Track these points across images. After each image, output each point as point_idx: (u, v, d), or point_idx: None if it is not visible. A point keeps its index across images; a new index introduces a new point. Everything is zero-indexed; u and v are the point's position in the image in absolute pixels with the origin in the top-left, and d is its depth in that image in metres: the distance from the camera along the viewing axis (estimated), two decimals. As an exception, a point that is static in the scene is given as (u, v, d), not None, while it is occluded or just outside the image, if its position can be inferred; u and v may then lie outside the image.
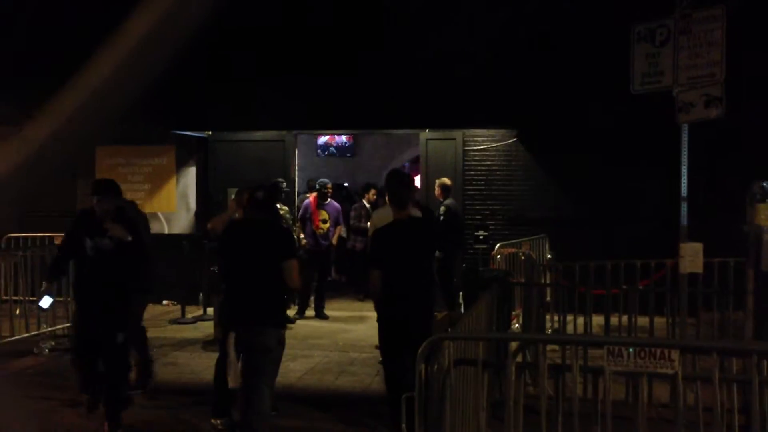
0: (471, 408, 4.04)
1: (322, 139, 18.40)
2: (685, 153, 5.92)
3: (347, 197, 14.31)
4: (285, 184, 9.87)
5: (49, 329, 8.42)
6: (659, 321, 6.67)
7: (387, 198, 5.85)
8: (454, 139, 11.34)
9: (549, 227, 10.47)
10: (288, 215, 9.31)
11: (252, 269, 5.04)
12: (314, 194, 10.50)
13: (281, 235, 5.34)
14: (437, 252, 5.46)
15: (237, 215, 6.30)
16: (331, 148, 18.78)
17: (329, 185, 10.58)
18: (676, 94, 5.92)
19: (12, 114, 10.59)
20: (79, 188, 12.12)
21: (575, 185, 10.82)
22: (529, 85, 10.36)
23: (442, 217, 9.74)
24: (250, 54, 10.77)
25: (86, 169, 11.99)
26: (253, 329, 4.99)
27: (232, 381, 5.02)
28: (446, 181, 10.06)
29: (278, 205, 8.14)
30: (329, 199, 10.56)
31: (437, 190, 10.02)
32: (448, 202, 9.85)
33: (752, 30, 8.86)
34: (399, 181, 5.58)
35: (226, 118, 11.16)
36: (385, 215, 5.88)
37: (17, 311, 8.43)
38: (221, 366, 5.35)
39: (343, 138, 18.59)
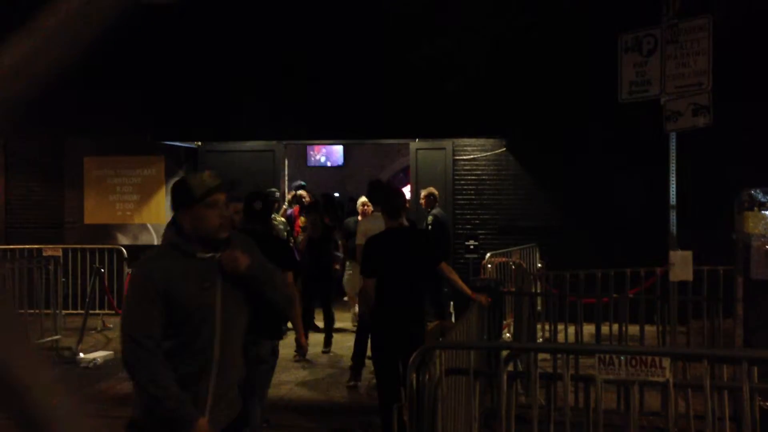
0: (463, 417, 4.03)
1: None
2: (673, 161, 5.95)
3: (334, 209, 13.83)
4: (278, 194, 9.78)
5: (37, 342, 8.34)
6: (649, 329, 6.69)
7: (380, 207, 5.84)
8: (444, 148, 11.37)
9: (539, 236, 10.51)
10: (282, 226, 9.08)
11: None
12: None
13: (277, 247, 5.19)
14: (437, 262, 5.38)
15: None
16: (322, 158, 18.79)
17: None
18: (664, 103, 5.97)
19: None
20: (67, 200, 12.07)
21: (565, 194, 10.86)
22: (518, 94, 10.40)
23: (429, 227, 9.72)
24: (239, 64, 10.77)
25: (74, 180, 11.97)
26: (247, 339, 4.94)
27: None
28: (432, 190, 10.02)
29: (274, 216, 7.86)
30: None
31: (422, 200, 9.96)
32: (435, 211, 9.82)
33: (742, 37, 8.94)
34: (390, 190, 5.59)
35: (215, 128, 11.14)
36: (373, 225, 5.85)
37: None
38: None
39: (323, 149, 18.61)
